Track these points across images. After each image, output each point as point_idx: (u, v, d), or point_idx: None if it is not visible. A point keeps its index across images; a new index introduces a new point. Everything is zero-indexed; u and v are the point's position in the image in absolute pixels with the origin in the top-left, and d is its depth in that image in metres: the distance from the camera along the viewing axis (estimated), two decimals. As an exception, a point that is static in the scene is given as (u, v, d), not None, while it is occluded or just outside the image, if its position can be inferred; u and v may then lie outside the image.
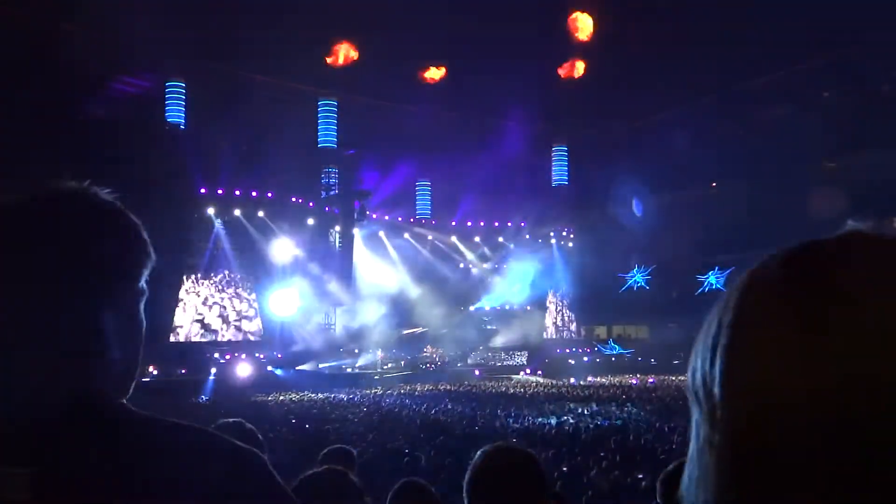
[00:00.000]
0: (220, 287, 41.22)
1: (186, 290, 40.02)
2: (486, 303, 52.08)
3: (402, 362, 45.88)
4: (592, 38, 46.96)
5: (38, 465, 1.12)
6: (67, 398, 1.18)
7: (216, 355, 37.79)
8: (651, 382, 37.63)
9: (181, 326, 39.61)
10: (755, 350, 0.63)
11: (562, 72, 48.85)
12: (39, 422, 1.15)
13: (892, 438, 0.55)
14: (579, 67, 48.95)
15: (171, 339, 38.69)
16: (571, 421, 20.40)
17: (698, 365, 0.70)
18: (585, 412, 22.94)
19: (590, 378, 42.27)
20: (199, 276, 40.44)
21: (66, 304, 1.21)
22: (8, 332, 1.19)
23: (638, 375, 42.50)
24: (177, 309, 39.18)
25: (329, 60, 44.25)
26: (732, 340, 0.65)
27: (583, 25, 47.28)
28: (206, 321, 40.51)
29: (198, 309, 40.40)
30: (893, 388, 0.55)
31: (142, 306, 1.33)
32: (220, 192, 40.63)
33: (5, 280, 1.20)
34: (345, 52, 44.50)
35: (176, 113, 41.00)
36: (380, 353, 45.16)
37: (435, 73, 47.01)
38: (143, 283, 1.32)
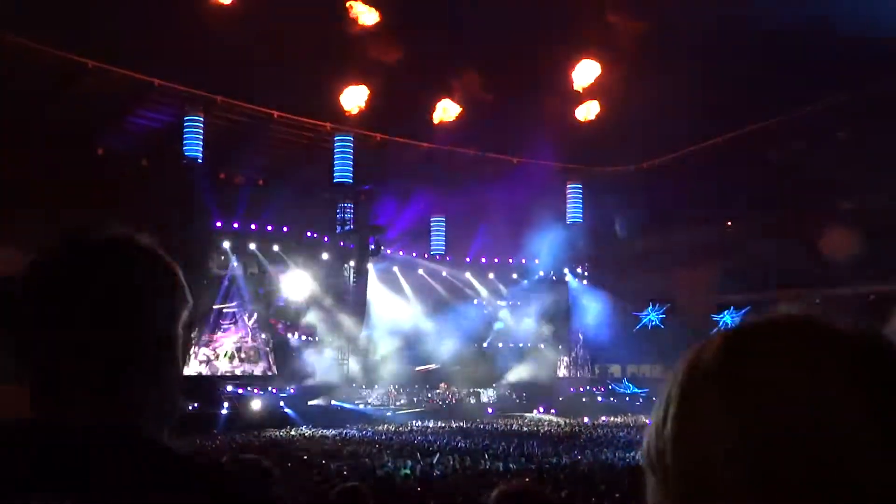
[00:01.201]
0: (235, 320, 41.30)
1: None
2: (500, 340, 51.88)
3: (415, 399, 45.65)
4: (602, 81, 47.39)
5: (75, 496, 1.15)
6: (108, 433, 1.22)
7: (229, 388, 37.75)
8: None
9: (195, 358, 39.62)
10: (698, 431, 0.79)
11: (578, 113, 49.20)
12: (79, 455, 1.19)
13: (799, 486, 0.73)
14: (593, 109, 49.22)
15: (184, 371, 38.72)
16: (585, 461, 20.23)
17: (653, 436, 0.86)
18: (599, 452, 22.75)
19: (603, 418, 41.92)
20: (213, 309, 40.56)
21: (108, 345, 1.26)
22: (55, 369, 1.25)
23: (652, 415, 42.10)
24: (191, 341, 39.24)
25: (345, 107, 44.67)
26: (678, 416, 0.82)
27: (586, 74, 47.96)
28: (220, 354, 40.54)
29: (212, 342, 40.48)
30: (792, 453, 0.73)
31: (179, 348, 1.38)
32: (235, 225, 40.85)
33: (57, 322, 1.26)
34: (358, 98, 44.88)
35: (194, 147, 41.38)
36: (392, 390, 45.00)
37: (448, 115, 47.27)
38: (180, 328, 1.36)
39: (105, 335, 1.25)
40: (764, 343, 0.81)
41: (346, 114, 44.78)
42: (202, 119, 41.45)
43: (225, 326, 40.93)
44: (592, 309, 52.88)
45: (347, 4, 42.26)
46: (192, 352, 39.42)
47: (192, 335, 38.73)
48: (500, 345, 51.97)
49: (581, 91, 47.94)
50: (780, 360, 0.78)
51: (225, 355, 40.59)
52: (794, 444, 0.73)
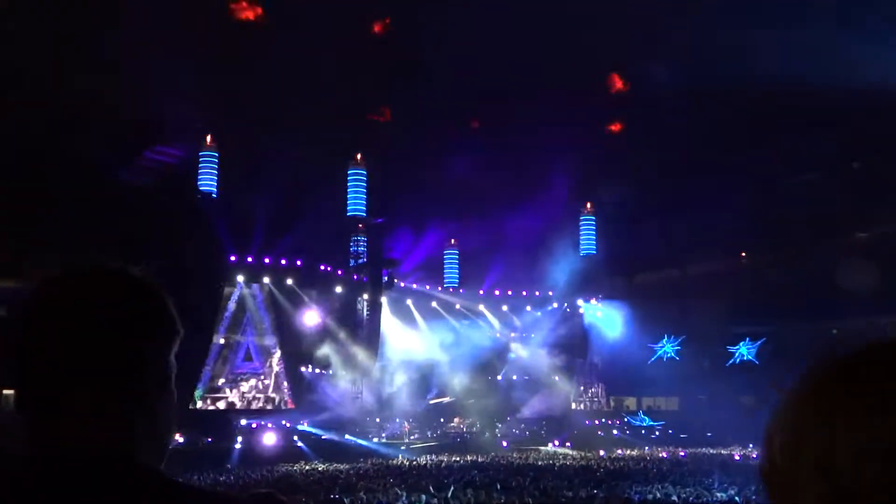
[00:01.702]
0: (249, 355, 41.32)
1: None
2: (514, 372, 51.64)
3: (429, 432, 45.36)
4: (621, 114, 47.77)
5: None
6: (102, 463, 1.22)
7: (242, 422, 37.64)
8: (682, 456, 36.88)
9: (209, 393, 39.63)
10: (798, 450, 0.80)
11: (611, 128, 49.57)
12: (75, 484, 1.19)
13: None
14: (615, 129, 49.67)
15: (199, 405, 38.69)
16: (601, 495, 20.01)
17: (777, 455, 0.84)
18: (615, 486, 22.49)
19: (619, 451, 41.52)
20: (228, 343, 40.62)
21: (100, 377, 1.27)
22: (48, 400, 1.26)
23: (669, 448, 41.69)
24: (203, 374, 39.24)
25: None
26: (785, 438, 0.82)
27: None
28: (232, 388, 40.52)
29: (225, 375, 40.48)
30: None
31: (172, 379, 1.39)
32: (249, 259, 40.99)
33: (46, 352, 1.27)
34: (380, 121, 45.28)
35: (209, 182, 41.70)
36: (405, 423, 44.76)
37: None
38: (172, 358, 1.38)
39: (99, 367, 1.26)
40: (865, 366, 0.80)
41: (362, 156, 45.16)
42: (217, 155, 41.79)
43: (238, 358, 40.92)
44: (607, 340, 52.62)
45: (375, 27, 42.73)
46: (204, 384, 39.44)
47: (203, 367, 38.77)
48: (514, 377, 51.70)
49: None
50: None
51: (238, 388, 40.55)
52: None
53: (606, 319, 53.30)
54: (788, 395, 0.84)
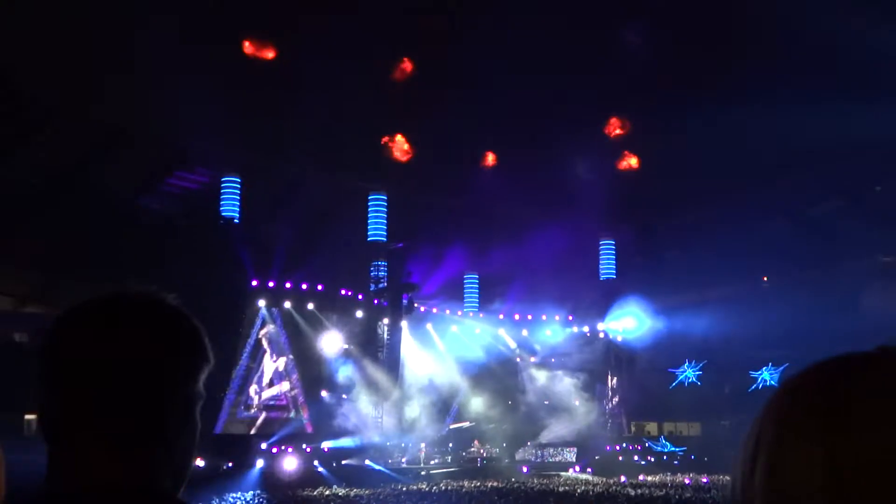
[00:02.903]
0: (271, 380, 41.35)
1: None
2: (534, 397, 51.33)
3: (449, 457, 45.13)
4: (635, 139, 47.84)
5: None
6: (122, 490, 1.22)
7: (263, 447, 37.63)
8: (705, 482, 36.47)
9: (230, 417, 39.65)
10: (787, 472, 0.74)
11: (622, 165, 49.66)
12: None
13: None
14: (633, 161, 49.67)
15: (220, 430, 38.71)
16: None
17: (738, 477, 0.82)
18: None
19: (641, 476, 41.12)
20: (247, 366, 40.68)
21: (123, 405, 1.26)
22: (71, 427, 1.25)
23: (691, 474, 41.24)
24: (224, 399, 39.30)
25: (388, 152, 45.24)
26: (768, 463, 0.77)
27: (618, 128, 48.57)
28: (253, 412, 40.53)
29: (246, 400, 40.50)
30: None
31: (198, 408, 1.37)
32: (271, 284, 41.14)
33: (78, 380, 1.26)
34: (399, 147, 45.50)
35: (231, 207, 42.00)
36: (425, 448, 44.54)
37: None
38: (200, 386, 1.36)
39: (125, 395, 1.25)
40: (866, 381, 0.76)
41: (382, 183, 45.40)
42: (239, 180, 42.12)
43: (259, 383, 40.96)
44: (627, 365, 52.26)
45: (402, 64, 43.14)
46: (226, 409, 39.48)
47: (224, 392, 38.84)
48: (535, 401, 51.39)
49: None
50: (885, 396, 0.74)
51: (259, 412, 40.57)
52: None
53: (627, 344, 52.93)
54: (765, 420, 0.81)
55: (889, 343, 0.80)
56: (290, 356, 41.54)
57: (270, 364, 41.25)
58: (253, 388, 40.71)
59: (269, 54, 40.74)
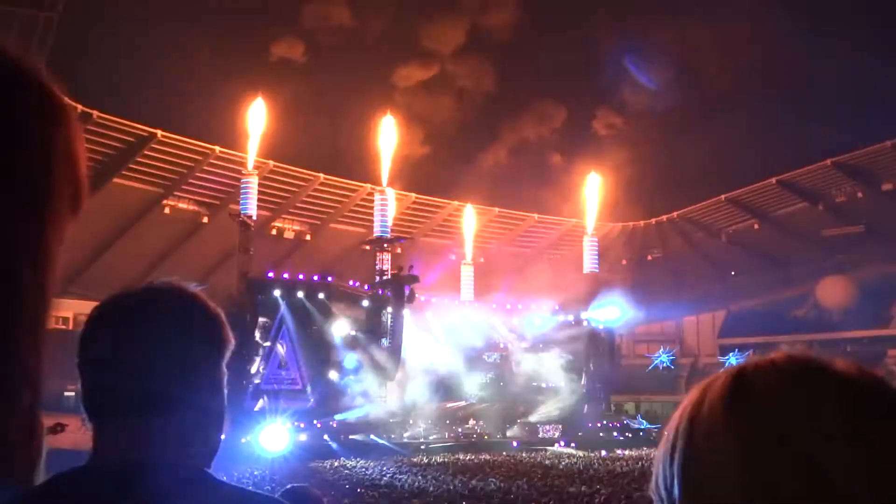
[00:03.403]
0: (285, 362, 41.34)
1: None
2: (523, 379, 51.34)
3: (446, 433, 45.15)
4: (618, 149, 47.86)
5: None
6: (155, 464, 1.24)
7: (276, 422, 37.54)
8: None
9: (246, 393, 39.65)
10: (702, 460, 0.77)
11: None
12: (129, 483, 1.21)
13: None
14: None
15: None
16: (604, 492, 19.85)
17: (660, 471, 0.82)
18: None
19: (619, 451, 41.17)
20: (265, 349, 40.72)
21: (155, 385, 1.27)
22: (108, 405, 1.27)
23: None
24: (242, 379, 39.32)
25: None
26: (685, 451, 0.79)
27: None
28: (268, 392, 40.50)
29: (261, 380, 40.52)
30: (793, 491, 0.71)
31: (223, 385, 1.39)
32: (285, 275, 41.15)
33: (111, 361, 1.28)
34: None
35: (249, 205, 41.96)
36: (425, 425, 44.57)
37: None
38: (223, 366, 1.38)
39: (156, 375, 1.27)
40: (767, 381, 0.78)
41: (386, 184, 45.32)
42: (256, 180, 42.10)
43: (273, 365, 40.99)
44: (609, 350, 52.32)
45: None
46: (243, 385, 39.49)
47: (240, 372, 38.87)
48: (524, 383, 51.41)
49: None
50: (783, 396, 0.76)
51: (273, 391, 40.57)
52: (796, 479, 0.71)
53: (608, 332, 52.97)
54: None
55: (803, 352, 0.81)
56: (302, 341, 41.53)
57: (283, 347, 41.25)
58: (266, 370, 40.71)
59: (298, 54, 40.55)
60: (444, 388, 46.36)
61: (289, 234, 45.56)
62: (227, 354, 1.39)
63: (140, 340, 1.28)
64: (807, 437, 0.72)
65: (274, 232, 44.55)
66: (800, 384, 0.77)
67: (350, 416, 40.67)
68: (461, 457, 35.94)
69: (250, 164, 42.07)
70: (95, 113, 35.01)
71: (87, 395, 1.30)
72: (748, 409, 0.76)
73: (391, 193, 46.57)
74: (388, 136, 44.36)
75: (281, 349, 41.31)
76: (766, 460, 0.72)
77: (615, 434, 48.37)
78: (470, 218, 49.68)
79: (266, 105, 39.91)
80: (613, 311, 52.40)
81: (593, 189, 49.65)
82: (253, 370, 39.93)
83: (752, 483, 0.72)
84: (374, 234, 45.98)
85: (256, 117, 40.04)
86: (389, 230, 46.13)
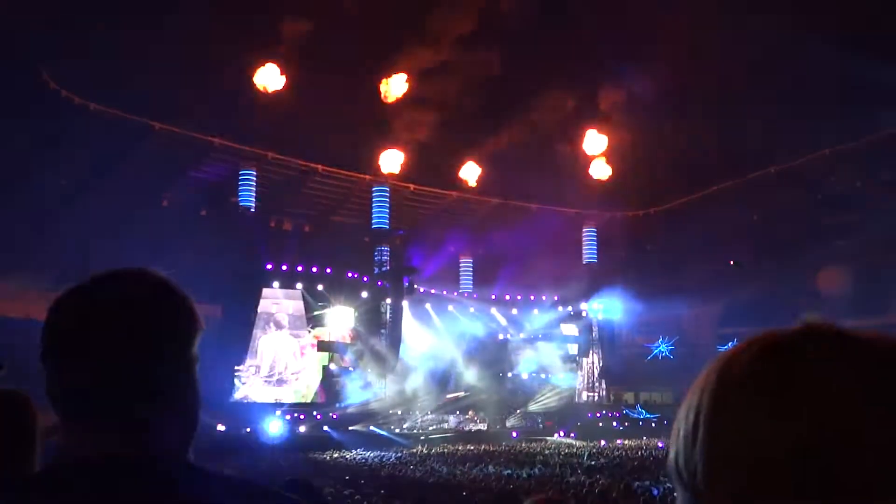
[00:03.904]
0: (283, 354, 41.41)
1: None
2: (523, 369, 51.46)
3: (445, 424, 45.29)
4: (614, 138, 47.74)
5: None
6: (129, 455, 1.21)
7: (278, 414, 37.73)
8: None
9: (247, 384, 39.77)
10: (732, 439, 0.71)
11: (592, 172, 49.55)
12: (103, 477, 1.18)
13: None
14: (604, 169, 49.42)
15: (238, 398, 38.79)
16: (603, 481, 19.88)
17: (681, 448, 0.77)
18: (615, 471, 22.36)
19: (619, 441, 41.29)
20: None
21: (130, 373, 1.24)
22: (82, 397, 1.23)
23: (663, 438, 41.42)
24: (243, 370, 39.44)
25: (382, 169, 45.06)
26: (712, 426, 0.73)
27: (595, 143, 48.55)
28: (270, 382, 40.64)
29: (261, 371, 40.61)
30: (842, 461, 0.66)
31: (196, 370, 1.35)
32: (284, 267, 41.17)
33: (77, 348, 1.24)
34: (393, 162, 45.38)
35: (247, 197, 41.93)
36: (424, 416, 44.68)
37: (471, 175, 47.55)
38: (195, 350, 1.34)
39: (126, 363, 1.23)
40: (804, 346, 0.73)
41: (384, 176, 45.22)
42: (255, 173, 42.05)
43: (273, 355, 41.05)
44: (608, 341, 52.40)
45: (382, 83, 42.99)
46: (244, 376, 39.56)
47: (241, 364, 38.95)
48: (524, 374, 51.53)
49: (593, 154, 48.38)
50: (828, 362, 0.71)
51: (271, 378, 40.66)
52: (853, 447, 0.66)
53: (607, 322, 53.04)
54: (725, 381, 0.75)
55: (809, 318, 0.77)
56: (302, 332, 41.61)
57: (282, 340, 41.31)
58: (266, 361, 40.78)
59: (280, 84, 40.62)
60: (444, 379, 46.45)
61: (288, 226, 45.56)
62: (197, 340, 1.35)
63: (108, 329, 1.24)
64: (849, 408, 0.68)
65: (272, 224, 44.54)
66: (842, 347, 0.72)
67: (349, 407, 40.78)
68: (461, 447, 36.03)
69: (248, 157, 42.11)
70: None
71: (52, 388, 1.26)
72: (787, 375, 0.71)
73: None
74: (387, 124, 44.29)
75: (279, 341, 41.36)
76: (815, 429, 0.67)
77: (614, 424, 48.50)
78: (468, 208, 49.63)
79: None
80: (612, 302, 52.47)
81: (594, 178, 49.56)
82: (251, 362, 40.01)
83: (797, 454, 0.67)
84: (373, 226, 45.97)
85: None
86: (388, 222, 46.12)
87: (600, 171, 49.34)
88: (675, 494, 0.80)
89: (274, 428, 36.15)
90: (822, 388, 0.69)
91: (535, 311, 53.14)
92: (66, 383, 1.25)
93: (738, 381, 0.73)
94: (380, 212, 46.25)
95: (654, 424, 48.10)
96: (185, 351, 1.32)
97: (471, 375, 47.06)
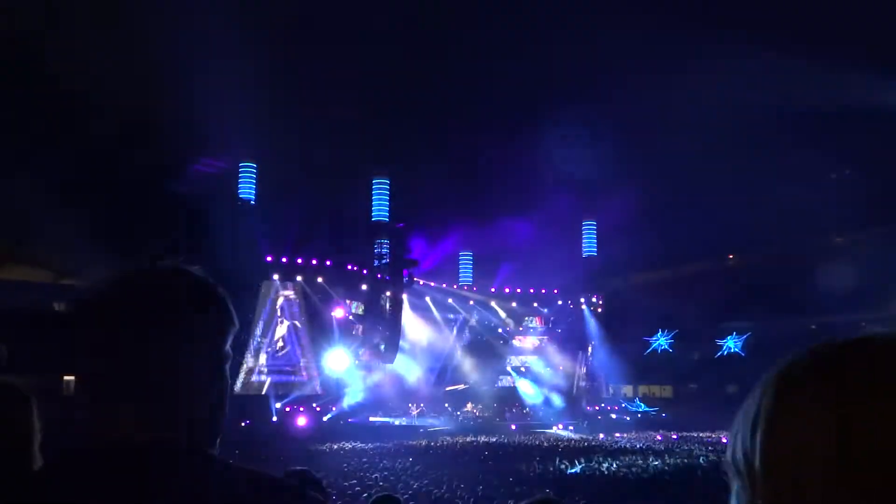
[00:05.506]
0: (283, 346, 41.45)
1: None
2: (522, 362, 51.54)
3: (445, 416, 45.37)
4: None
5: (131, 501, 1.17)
6: (158, 445, 1.23)
7: (277, 406, 37.80)
8: (675, 439, 36.70)
9: (247, 377, 39.80)
10: (792, 433, 0.76)
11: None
12: (130, 464, 1.20)
13: None
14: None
15: (239, 391, 38.84)
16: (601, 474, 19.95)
17: (738, 443, 0.81)
18: (613, 464, 22.42)
19: (617, 434, 41.35)
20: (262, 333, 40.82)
21: (162, 363, 1.26)
22: (113, 385, 1.26)
23: (662, 432, 41.49)
24: (243, 363, 39.47)
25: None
26: (772, 425, 0.78)
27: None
28: (268, 375, 40.67)
29: (261, 363, 40.65)
30: None
31: (227, 367, 1.38)
32: (284, 260, 41.19)
33: (116, 343, 1.27)
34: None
35: (247, 190, 41.95)
36: (424, 408, 44.74)
37: None
38: (228, 348, 1.37)
39: (160, 354, 1.26)
40: (864, 353, 0.78)
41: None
42: (255, 166, 42.03)
43: (273, 349, 41.08)
44: (607, 334, 52.47)
45: None
46: (244, 369, 39.60)
47: (241, 356, 38.95)
48: (522, 367, 51.61)
49: None
50: (879, 367, 0.75)
51: (274, 375, 40.71)
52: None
53: (606, 315, 53.07)
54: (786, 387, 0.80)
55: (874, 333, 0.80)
56: (301, 325, 41.63)
57: (282, 332, 41.35)
58: (266, 353, 40.82)
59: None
60: (443, 371, 46.52)
61: (287, 219, 45.59)
62: (231, 337, 1.39)
63: (144, 322, 1.26)
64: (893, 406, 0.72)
65: (273, 216, 44.55)
66: (887, 356, 0.76)
67: (349, 399, 40.83)
68: (460, 440, 36.07)
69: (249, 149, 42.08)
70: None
71: (86, 378, 1.29)
72: (846, 378, 0.76)
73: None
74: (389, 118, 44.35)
75: (279, 333, 41.40)
76: (871, 431, 0.71)
77: (613, 417, 48.58)
78: (467, 202, 49.67)
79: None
80: (609, 295, 52.54)
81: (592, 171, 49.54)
82: (253, 353, 40.05)
83: (852, 454, 0.72)
84: (373, 219, 45.98)
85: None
86: (388, 215, 46.13)
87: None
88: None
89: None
90: (872, 389, 0.73)
91: (535, 304, 53.22)
92: (100, 369, 1.27)
93: (798, 381, 0.78)
94: (380, 204, 46.27)
95: (652, 418, 48.22)
96: (219, 347, 1.35)
97: (470, 368, 47.11)
